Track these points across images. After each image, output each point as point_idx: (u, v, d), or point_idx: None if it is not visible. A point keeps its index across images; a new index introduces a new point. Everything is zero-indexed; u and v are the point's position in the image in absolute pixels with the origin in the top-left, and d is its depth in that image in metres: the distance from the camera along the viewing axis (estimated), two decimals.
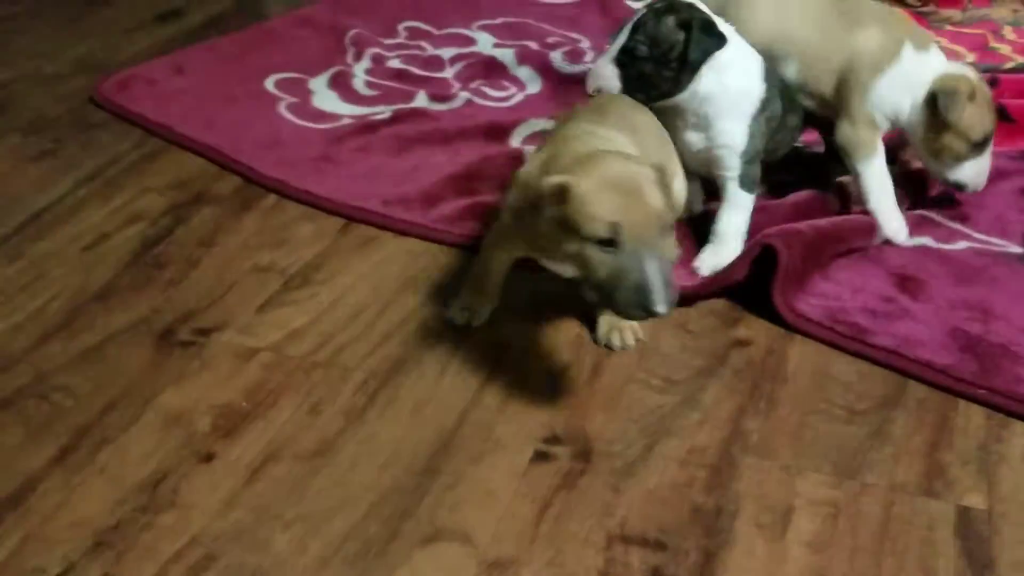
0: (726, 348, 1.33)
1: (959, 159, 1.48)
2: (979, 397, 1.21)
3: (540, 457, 1.15)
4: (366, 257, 1.49)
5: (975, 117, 1.45)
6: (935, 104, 1.44)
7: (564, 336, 1.35)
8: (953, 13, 2.35)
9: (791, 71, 1.51)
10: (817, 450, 1.15)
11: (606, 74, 1.40)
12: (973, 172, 1.50)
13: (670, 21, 1.36)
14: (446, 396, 1.22)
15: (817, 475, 1.11)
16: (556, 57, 2.16)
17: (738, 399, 1.24)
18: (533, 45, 2.26)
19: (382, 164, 1.73)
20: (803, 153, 1.75)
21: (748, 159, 1.43)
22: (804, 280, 1.39)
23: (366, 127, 1.84)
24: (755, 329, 1.36)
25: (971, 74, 1.48)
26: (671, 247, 1.16)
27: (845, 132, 1.49)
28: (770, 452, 1.15)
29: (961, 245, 1.49)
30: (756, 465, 1.13)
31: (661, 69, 1.37)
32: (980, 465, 1.12)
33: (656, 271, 1.02)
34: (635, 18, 1.39)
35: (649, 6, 1.40)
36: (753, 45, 1.47)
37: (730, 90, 1.40)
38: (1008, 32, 2.23)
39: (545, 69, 2.12)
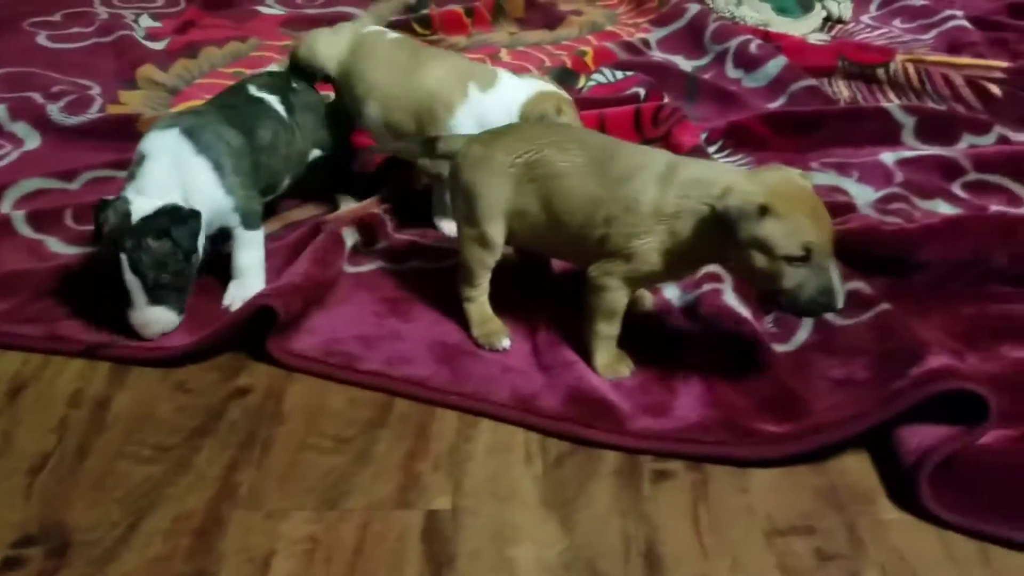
0: (225, 401, 1.33)
1: None
2: (452, 403, 1.33)
3: (10, 565, 1.05)
4: None
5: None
6: None
7: (46, 422, 1.25)
8: (459, 39, 2.58)
9: (374, 111, 1.66)
10: (304, 487, 1.19)
11: (155, 317, 1.39)
12: None
13: (152, 242, 1.35)
14: None
15: (300, 513, 1.15)
16: (54, 110, 2.01)
17: (232, 453, 1.24)
18: (37, 97, 2.09)
19: None
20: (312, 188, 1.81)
21: (243, 209, 1.48)
22: (301, 319, 1.44)
23: None
24: (257, 375, 1.38)
25: (557, 91, 1.62)
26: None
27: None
28: (258, 501, 1.17)
29: (449, 262, 1.63)
30: (243, 518, 1.14)
31: (181, 273, 1.39)
32: (449, 467, 1.23)
33: (837, 276, 1.20)
34: (122, 255, 1.35)
35: (121, 229, 1.37)
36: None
37: (194, 189, 1.43)
38: (504, 55, 2.49)
39: (43, 123, 1.97)
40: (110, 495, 1.16)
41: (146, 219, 1.37)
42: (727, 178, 1.23)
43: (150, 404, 1.31)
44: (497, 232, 1.37)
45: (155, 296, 1.37)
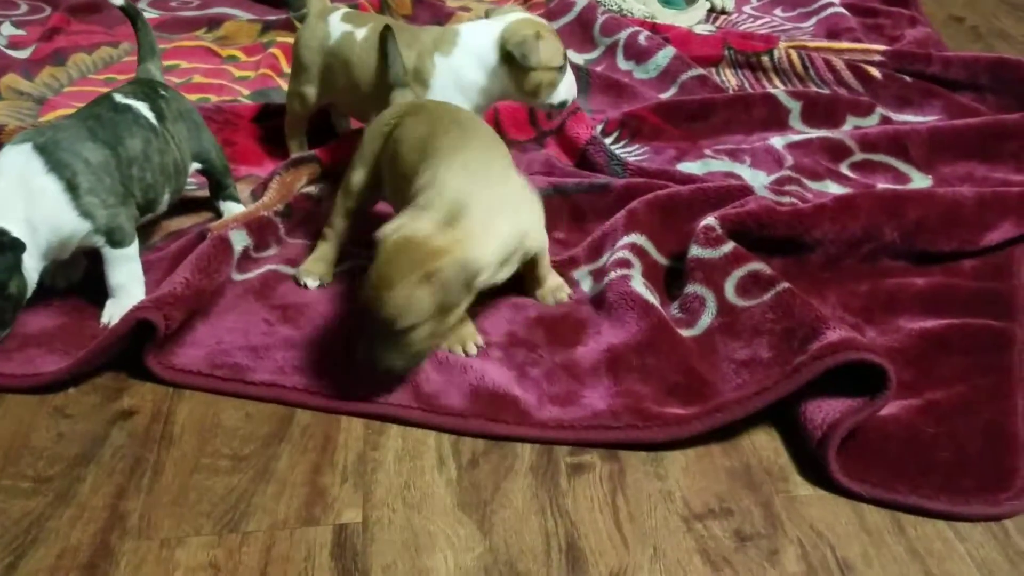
0: (108, 425, 1.23)
1: (554, 85, 1.63)
2: (356, 411, 1.27)
3: None
4: None
5: (550, 48, 1.60)
6: (512, 59, 1.59)
7: None
8: None
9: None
10: (200, 511, 1.11)
11: None
12: (566, 88, 1.66)
13: None
14: None
15: (198, 538, 1.07)
16: None
17: (118, 480, 1.15)
18: None
19: None
20: (192, 197, 1.72)
21: (105, 229, 1.37)
22: (184, 332, 1.35)
23: None
24: (141, 395, 1.29)
25: (531, 16, 1.65)
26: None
27: None
28: (151, 529, 1.08)
29: (344, 266, 1.56)
30: (135, 548, 1.06)
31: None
32: (357, 478, 1.17)
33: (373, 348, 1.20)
34: None
35: None
36: None
37: (39, 211, 1.31)
38: None
39: None
40: None
41: None
42: None
43: (25, 433, 1.21)
44: (358, 179, 1.48)
45: None
